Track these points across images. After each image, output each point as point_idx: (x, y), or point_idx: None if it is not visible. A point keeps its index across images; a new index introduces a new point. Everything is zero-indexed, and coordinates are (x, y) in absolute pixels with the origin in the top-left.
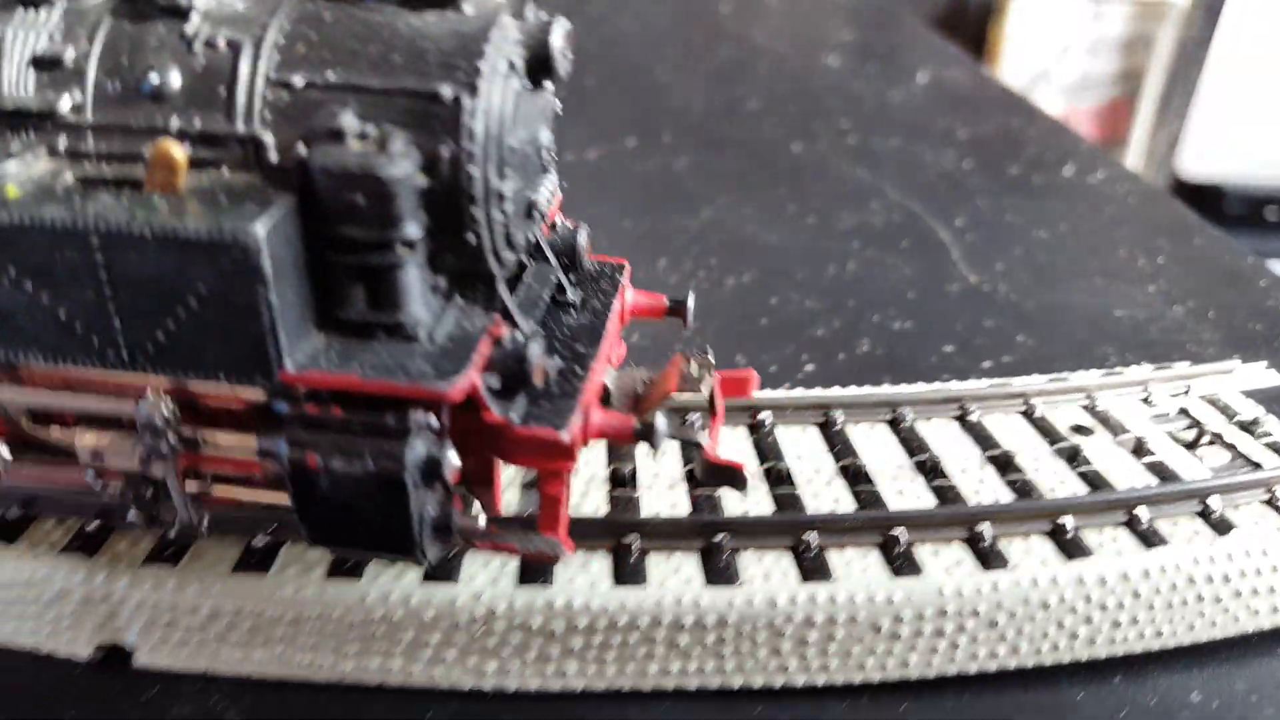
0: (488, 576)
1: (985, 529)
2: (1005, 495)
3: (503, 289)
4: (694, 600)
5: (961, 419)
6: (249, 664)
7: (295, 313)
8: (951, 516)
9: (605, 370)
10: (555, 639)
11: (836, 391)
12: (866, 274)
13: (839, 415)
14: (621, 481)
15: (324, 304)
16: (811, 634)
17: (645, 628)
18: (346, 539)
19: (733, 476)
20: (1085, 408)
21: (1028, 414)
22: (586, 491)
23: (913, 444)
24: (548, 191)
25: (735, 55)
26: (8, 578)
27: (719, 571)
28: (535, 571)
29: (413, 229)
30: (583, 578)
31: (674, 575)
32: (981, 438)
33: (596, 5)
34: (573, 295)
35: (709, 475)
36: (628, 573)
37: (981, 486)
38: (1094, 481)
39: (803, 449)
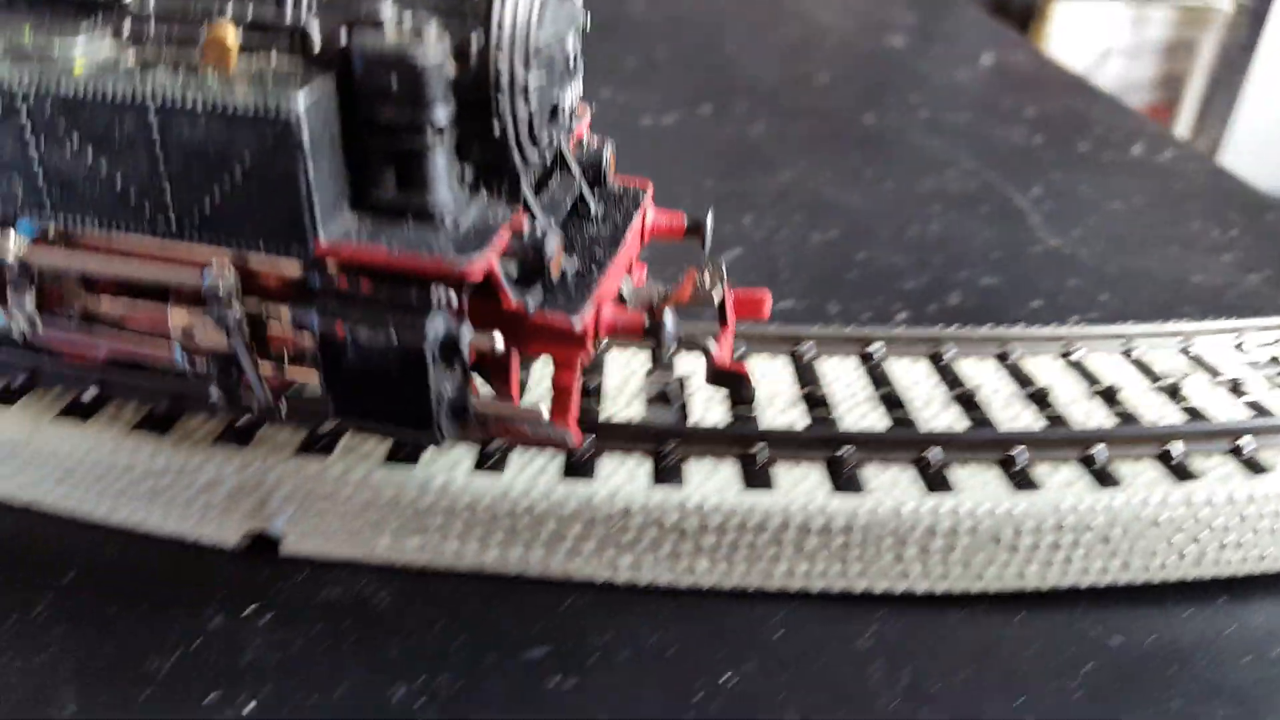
0: (624, 475)
1: (1099, 451)
2: (1112, 423)
3: (526, 184)
4: (822, 505)
5: (1065, 356)
6: (397, 552)
7: (331, 189)
8: (1067, 438)
9: (622, 277)
10: (687, 536)
11: (948, 329)
12: (949, 234)
13: (949, 349)
14: (740, 401)
15: (358, 186)
16: (934, 542)
17: (774, 529)
18: (370, 413)
19: (737, 382)
20: (1182, 350)
21: (1127, 354)
22: (709, 407)
23: (1020, 376)
24: (573, 96)
25: (800, 33)
26: (160, 466)
27: (844, 481)
28: (669, 472)
29: (442, 114)
30: (713, 481)
31: (801, 482)
32: (1086, 374)
33: None
34: (595, 207)
35: (715, 379)
36: (756, 478)
37: (1089, 416)
38: (1196, 414)
39: (914, 378)
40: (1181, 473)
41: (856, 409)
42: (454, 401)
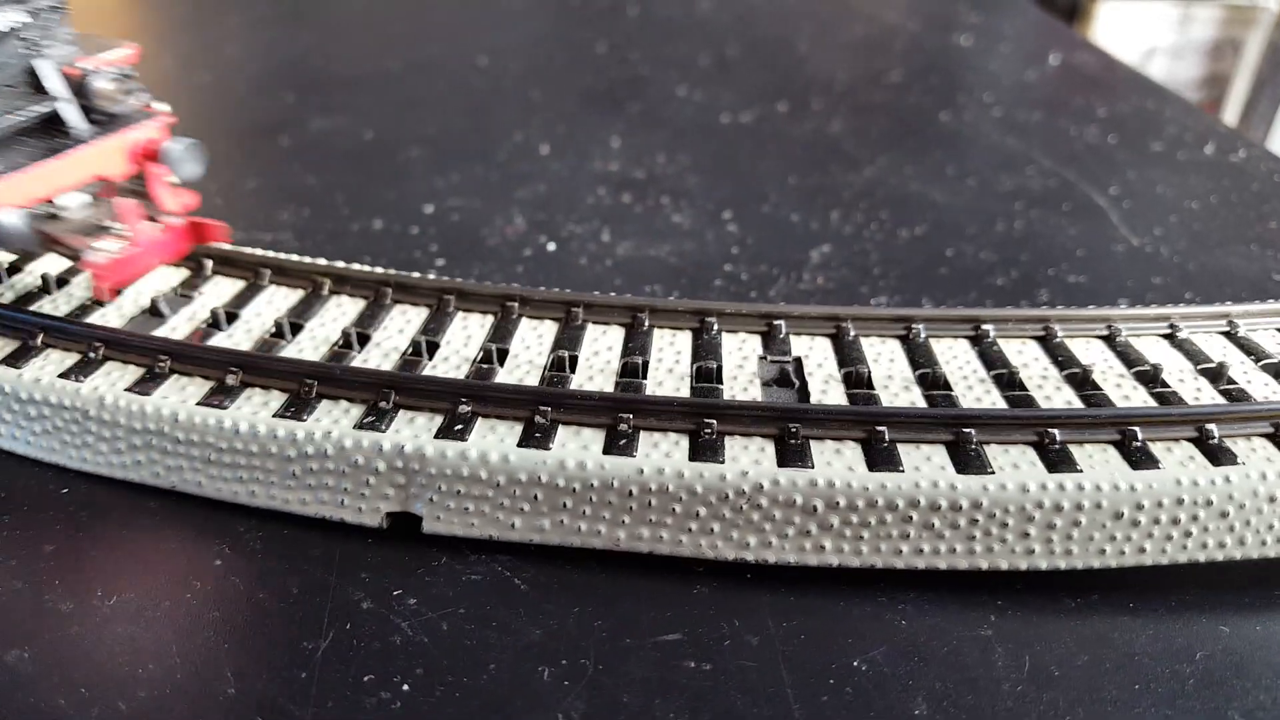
0: (750, 456)
1: (1213, 428)
2: (1221, 401)
3: None
4: (949, 484)
5: (1170, 337)
6: (531, 532)
7: None
8: (1181, 416)
9: (52, 179)
10: (814, 516)
11: (1054, 309)
12: (1034, 232)
13: (1058, 329)
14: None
15: None
16: (1058, 520)
17: (901, 508)
18: None
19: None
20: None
21: (1229, 335)
22: (826, 390)
23: (1130, 356)
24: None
25: (868, 31)
26: (303, 450)
27: (968, 460)
28: (794, 453)
29: None
30: (839, 461)
31: (926, 462)
32: (1190, 352)
33: None
34: (75, 127)
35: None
36: (881, 458)
37: (1199, 394)
38: None
39: (1026, 358)
40: None
41: (972, 390)
42: None
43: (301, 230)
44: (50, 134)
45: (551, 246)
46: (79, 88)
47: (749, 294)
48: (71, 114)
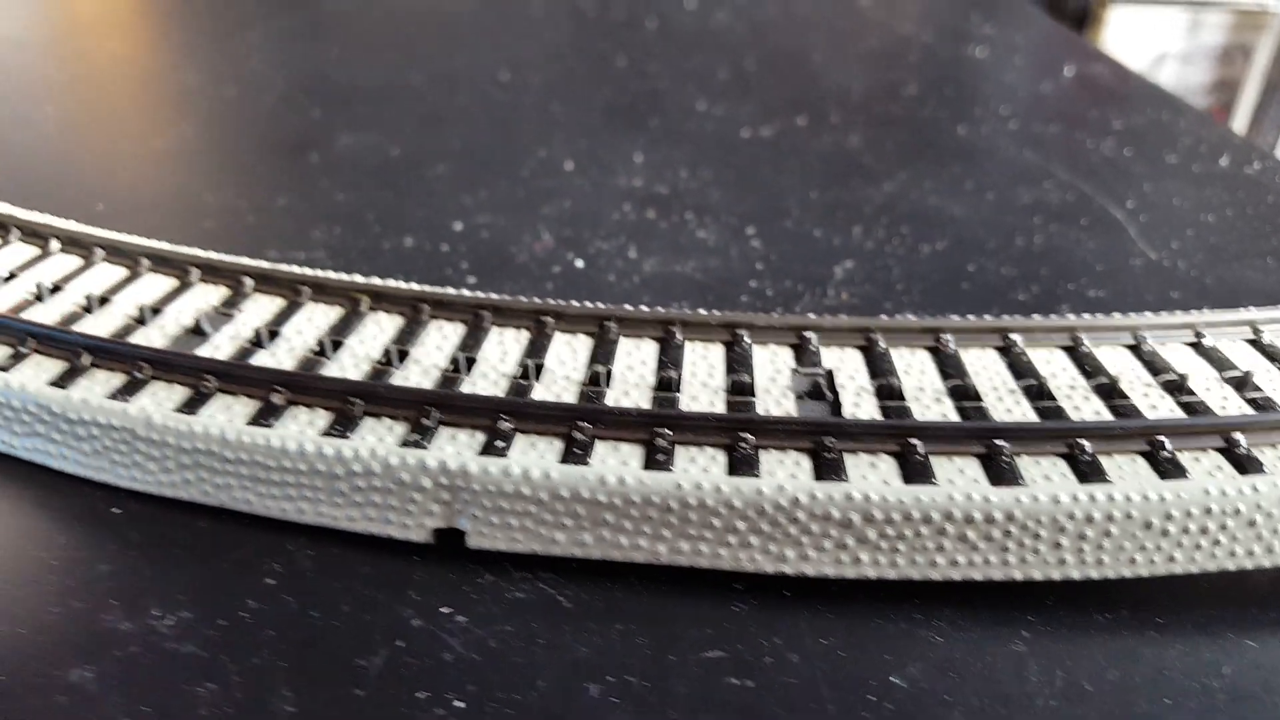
0: (786, 470)
1: (1240, 438)
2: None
3: None
4: (983, 497)
5: (1195, 345)
6: (574, 546)
7: None
8: (1209, 425)
9: None
10: (851, 529)
11: (1083, 318)
12: (1053, 246)
13: (1084, 338)
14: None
15: None
16: (1090, 530)
17: (936, 521)
18: None
19: None
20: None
21: (1254, 342)
22: (859, 403)
23: (1156, 364)
24: None
25: (883, 43)
26: (350, 467)
27: (1001, 473)
28: (830, 468)
29: None
30: (874, 474)
31: (960, 475)
32: (1216, 360)
33: None
34: None
35: None
36: (916, 472)
37: (1226, 402)
38: None
39: (1054, 368)
40: None
41: (1002, 401)
42: None
43: (334, 248)
44: None
45: (580, 263)
46: None
47: (775, 310)
48: None
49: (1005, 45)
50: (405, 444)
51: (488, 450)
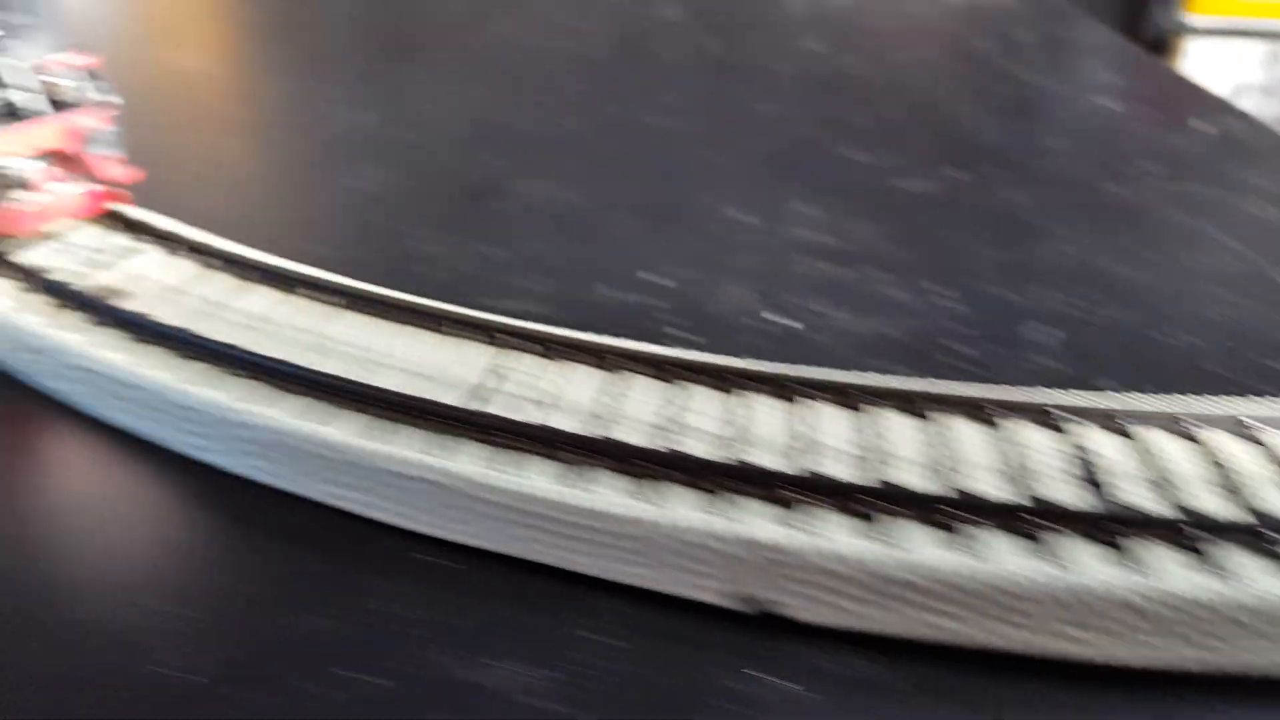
0: (1086, 557)
1: None
2: None
3: None
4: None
5: None
6: (873, 622)
7: None
8: None
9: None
10: (1146, 617)
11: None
12: (1243, 319)
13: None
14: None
15: None
16: None
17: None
18: None
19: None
20: None
21: None
22: (1120, 488)
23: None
24: None
25: (1018, 93)
26: (653, 530)
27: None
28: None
29: None
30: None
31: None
32: None
33: (865, 36)
34: (24, 108)
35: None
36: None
37: None
38: None
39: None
40: None
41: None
42: None
43: (544, 298)
44: (8, 114)
45: (781, 319)
46: (33, 81)
47: (975, 373)
48: (19, 98)
49: (1135, 96)
50: (710, 511)
51: (781, 518)
